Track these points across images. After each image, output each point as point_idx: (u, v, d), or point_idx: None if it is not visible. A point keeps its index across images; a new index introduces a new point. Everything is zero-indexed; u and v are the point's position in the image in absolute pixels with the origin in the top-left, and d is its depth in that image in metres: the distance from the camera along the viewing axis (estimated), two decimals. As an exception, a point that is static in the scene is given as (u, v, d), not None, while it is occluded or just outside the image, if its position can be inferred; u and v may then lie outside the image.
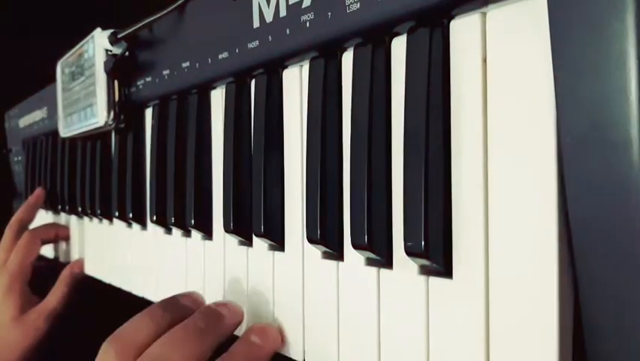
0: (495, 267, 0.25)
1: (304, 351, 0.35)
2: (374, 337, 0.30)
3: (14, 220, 0.71)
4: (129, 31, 0.49)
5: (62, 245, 0.77)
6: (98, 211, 0.62)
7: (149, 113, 0.53)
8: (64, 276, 0.67)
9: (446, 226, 0.27)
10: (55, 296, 0.65)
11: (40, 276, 0.68)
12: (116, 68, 0.51)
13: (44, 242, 0.71)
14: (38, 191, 0.76)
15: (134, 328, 0.36)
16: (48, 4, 0.80)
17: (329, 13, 0.31)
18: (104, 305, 0.71)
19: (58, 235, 0.73)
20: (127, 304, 0.59)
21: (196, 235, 0.46)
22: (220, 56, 0.40)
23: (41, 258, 0.70)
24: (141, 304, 0.54)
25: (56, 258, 0.79)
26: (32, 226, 0.74)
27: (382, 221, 0.30)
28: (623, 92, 0.20)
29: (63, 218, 0.76)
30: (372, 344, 0.30)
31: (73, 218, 0.73)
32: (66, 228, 0.74)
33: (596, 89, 0.20)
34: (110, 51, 0.52)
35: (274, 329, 0.37)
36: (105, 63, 0.52)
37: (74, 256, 0.73)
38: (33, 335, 0.62)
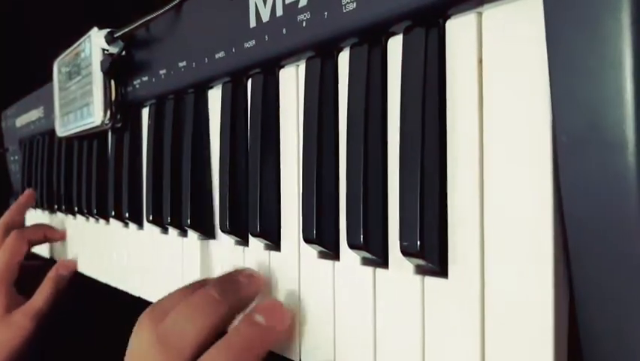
0: (490, 267, 0.25)
1: (300, 351, 0.35)
2: (370, 336, 0.30)
3: (3, 221, 0.71)
4: (126, 30, 0.49)
5: (58, 245, 0.77)
6: (95, 211, 0.61)
7: (145, 112, 0.53)
8: (51, 276, 0.67)
9: (442, 225, 0.27)
10: (41, 296, 0.65)
11: (34, 275, 0.67)
12: (113, 68, 0.51)
13: (32, 243, 0.70)
14: (28, 192, 0.76)
15: (167, 300, 0.36)
16: (45, 3, 0.80)
17: (325, 13, 0.31)
18: (97, 305, 0.71)
19: (46, 235, 0.72)
20: (119, 305, 0.59)
21: (192, 234, 0.46)
22: (217, 56, 0.40)
23: (36, 257, 0.71)
24: (139, 303, 0.54)
25: (52, 258, 0.79)
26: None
27: (378, 221, 0.30)
28: (618, 92, 0.20)
29: (59, 218, 0.76)
30: (368, 344, 0.30)
31: (70, 217, 0.73)
32: (55, 229, 0.74)
33: (592, 89, 0.20)
34: (107, 50, 0.52)
35: (281, 306, 0.34)
36: (102, 62, 0.52)
37: (70, 255, 0.73)
38: (19, 335, 0.62)
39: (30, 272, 0.68)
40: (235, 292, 0.35)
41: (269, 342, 0.33)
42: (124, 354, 0.35)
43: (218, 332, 0.33)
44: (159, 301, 0.36)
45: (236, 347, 0.32)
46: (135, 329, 0.35)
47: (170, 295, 0.37)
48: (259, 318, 0.33)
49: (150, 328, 0.33)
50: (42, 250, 0.81)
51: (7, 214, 0.72)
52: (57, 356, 0.68)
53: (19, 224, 0.73)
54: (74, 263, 0.69)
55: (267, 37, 0.35)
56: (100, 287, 0.63)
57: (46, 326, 0.64)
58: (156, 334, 0.33)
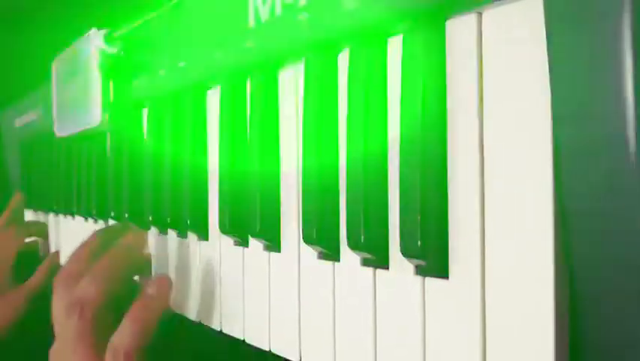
0: (491, 267, 0.24)
1: (300, 352, 0.35)
2: (370, 337, 0.30)
3: (1, 219, 0.80)
4: (125, 30, 0.49)
5: (58, 247, 0.77)
6: (94, 212, 0.61)
7: (144, 112, 0.53)
8: (45, 264, 0.75)
9: (442, 226, 0.27)
10: (34, 279, 0.73)
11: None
12: (112, 68, 0.51)
13: (30, 235, 0.80)
14: (17, 195, 0.84)
15: (73, 264, 0.48)
16: (44, 2, 0.79)
17: (325, 12, 0.31)
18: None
19: (37, 230, 0.82)
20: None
21: (192, 235, 0.46)
22: (216, 56, 0.40)
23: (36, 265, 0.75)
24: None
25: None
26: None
27: (378, 221, 0.29)
28: (619, 92, 0.20)
29: (59, 218, 0.76)
30: (368, 345, 0.30)
31: (69, 219, 0.72)
32: (43, 224, 0.82)
33: (593, 89, 0.20)
34: (106, 50, 0.52)
35: (164, 278, 0.45)
36: (100, 62, 0.52)
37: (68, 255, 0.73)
38: (11, 310, 0.70)
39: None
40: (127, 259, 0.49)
41: (161, 307, 0.43)
42: None
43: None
44: (65, 267, 0.48)
45: (139, 316, 0.42)
46: (54, 298, 0.45)
47: (73, 258, 0.48)
48: (151, 291, 0.44)
49: (64, 295, 0.44)
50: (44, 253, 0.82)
51: (3, 215, 0.81)
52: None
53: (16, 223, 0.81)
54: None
55: (266, 36, 0.35)
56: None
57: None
58: (70, 301, 0.43)
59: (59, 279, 0.46)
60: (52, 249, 0.79)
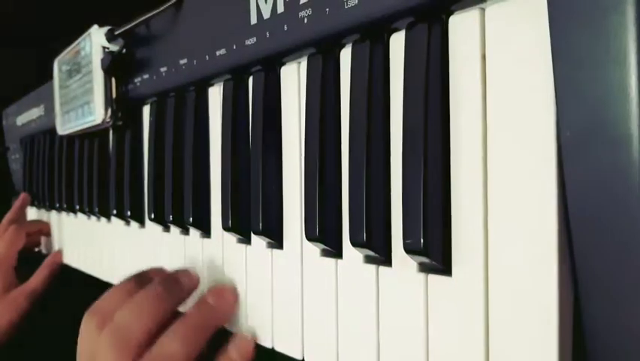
0: (494, 265, 0.24)
1: (303, 349, 0.35)
2: (373, 335, 0.30)
3: (6, 219, 0.80)
4: (126, 28, 0.49)
5: (60, 244, 0.77)
6: (96, 209, 0.61)
7: (146, 110, 0.53)
8: (47, 262, 0.74)
9: (445, 223, 0.26)
10: (36, 279, 0.72)
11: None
12: (113, 65, 0.51)
13: (29, 234, 0.78)
14: (23, 195, 0.84)
15: (109, 299, 0.40)
16: (45, 1, 0.79)
17: (327, 9, 0.31)
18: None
19: (42, 229, 0.82)
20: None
21: (194, 232, 0.46)
22: (217, 53, 0.40)
23: (37, 262, 0.75)
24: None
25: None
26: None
27: (381, 218, 0.29)
28: (623, 87, 0.20)
29: (61, 216, 0.76)
30: (371, 342, 0.30)
31: (71, 216, 0.73)
32: (47, 224, 0.82)
33: (596, 85, 0.20)
34: (107, 48, 0.52)
35: (226, 288, 0.40)
36: (102, 60, 0.52)
37: (72, 254, 0.73)
38: (14, 311, 0.68)
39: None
40: (176, 289, 0.40)
41: (220, 320, 0.39)
42: None
43: (163, 324, 0.37)
44: (99, 301, 0.40)
45: (193, 325, 0.37)
46: (82, 331, 0.39)
47: (109, 294, 0.41)
48: (210, 300, 0.39)
49: (97, 327, 0.37)
50: (47, 250, 0.82)
51: (7, 215, 0.81)
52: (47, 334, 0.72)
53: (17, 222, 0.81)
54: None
55: (268, 33, 0.35)
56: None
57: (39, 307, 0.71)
58: (106, 332, 0.36)
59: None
60: (56, 247, 0.79)
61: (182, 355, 0.35)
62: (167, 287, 0.39)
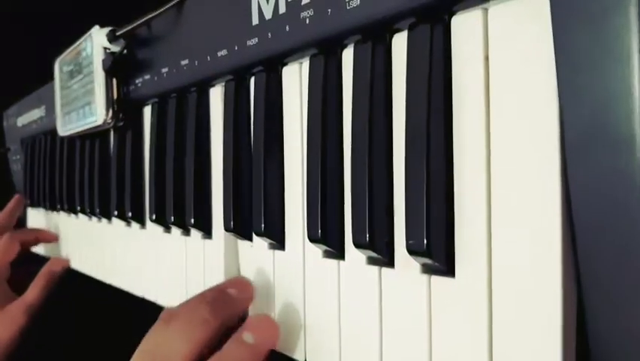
0: (498, 266, 0.24)
1: (305, 351, 0.35)
2: (376, 336, 0.30)
3: None
4: (127, 28, 0.49)
5: (60, 245, 0.77)
6: (97, 210, 0.61)
7: (147, 111, 0.53)
8: (44, 272, 0.69)
9: (448, 224, 0.26)
10: (33, 291, 0.67)
11: (30, 280, 0.70)
12: (115, 66, 0.51)
13: (24, 244, 0.73)
14: (17, 197, 0.80)
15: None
16: (46, 1, 0.79)
17: (329, 10, 0.30)
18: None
19: (38, 238, 0.76)
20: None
21: (196, 233, 0.46)
22: (219, 54, 0.40)
23: (32, 262, 0.73)
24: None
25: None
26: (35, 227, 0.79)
27: (384, 219, 0.29)
28: (626, 89, 0.20)
29: (62, 216, 0.76)
30: (373, 344, 0.30)
31: (72, 217, 0.73)
32: (47, 232, 0.77)
33: (600, 85, 0.20)
34: (109, 49, 0.52)
35: (268, 321, 0.35)
36: (103, 61, 0.51)
37: (73, 255, 0.73)
38: (12, 328, 0.64)
39: (26, 278, 0.70)
40: (225, 307, 0.36)
41: (259, 359, 0.34)
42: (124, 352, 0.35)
43: (211, 347, 0.33)
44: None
45: None
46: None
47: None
48: (248, 338, 0.34)
49: (144, 351, 0.33)
50: (42, 251, 0.82)
51: None
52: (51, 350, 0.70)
53: (9, 227, 0.77)
54: (67, 261, 0.72)
55: (269, 34, 0.35)
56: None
57: (40, 321, 0.66)
58: (148, 354, 0.33)
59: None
60: (63, 252, 0.78)
61: None
62: (215, 309, 0.35)
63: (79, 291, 0.70)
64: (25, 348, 0.64)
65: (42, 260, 0.75)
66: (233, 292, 0.37)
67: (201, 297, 0.36)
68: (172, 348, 0.33)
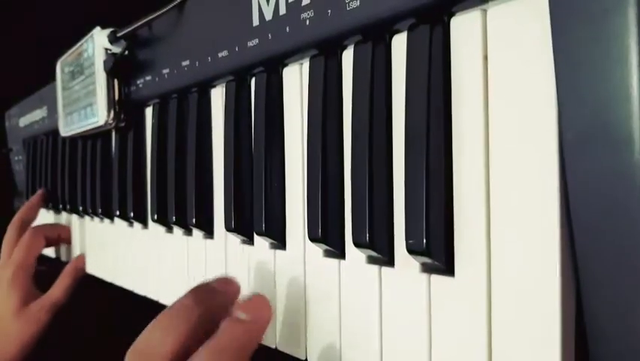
0: (497, 265, 0.24)
1: (306, 349, 0.35)
2: (376, 335, 0.30)
3: (16, 218, 0.72)
4: (129, 29, 0.49)
5: (63, 245, 0.77)
6: (99, 210, 0.61)
7: (149, 111, 0.53)
8: (68, 270, 0.68)
9: (448, 223, 0.27)
10: (58, 289, 0.66)
11: (42, 280, 0.68)
12: (116, 67, 0.51)
13: (48, 240, 0.71)
14: (40, 191, 0.77)
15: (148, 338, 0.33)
16: (47, 2, 0.80)
17: (329, 11, 0.31)
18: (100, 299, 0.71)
19: (60, 235, 0.73)
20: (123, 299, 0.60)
21: (197, 233, 0.46)
22: (220, 55, 0.40)
23: (43, 261, 0.71)
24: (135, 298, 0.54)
25: (58, 258, 0.80)
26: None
27: (384, 219, 0.29)
28: (624, 88, 0.20)
29: (64, 217, 0.76)
30: (374, 342, 0.30)
31: (74, 217, 0.73)
32: (68, 229, 0.74)
33: (598, 86, 0.20)
34: (110, 50, 0.52)
35: (260, 298, 0.33)
36: (105, 62, 0.52)
37: (75, 255, 0.73)
38: (34, 328, 0.63)
39: (40, 277, 0.69)
40: (207, 296, 0.34)
41: (256, 337, 0.33)
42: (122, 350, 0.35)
43: (198, 338, 0.32)
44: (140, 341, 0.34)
45: (224, 347, 0.31)
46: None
47: (146, 332, 0.34)
48: (241, 315, 0.32)
49: (134, 351, 0.32)
50: (47, 250, 0.81)
51: (19, 213, 0.73)
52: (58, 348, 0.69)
53: (31, 222, 0.74)
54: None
55: (270, 35, 0.35)
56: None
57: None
58: (136, 352, 0.32)
59: None
60: (65, 252, 0.78)
61: None
62: (197, 298, 0.34)
63: (79, 291, 0.70)
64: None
65: (46, 259, 0.76)
66: (215, 284, 0.36)
67: (185, 292, 0.35)
68: (156, 341, 0.32)
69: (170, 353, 0.31)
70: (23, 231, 0.70)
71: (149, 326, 0.33)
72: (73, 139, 0.68)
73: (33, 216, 0.74)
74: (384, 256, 0.30)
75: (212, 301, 0.34)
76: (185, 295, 0.34)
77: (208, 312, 0.33)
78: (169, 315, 0.33)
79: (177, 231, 0.49)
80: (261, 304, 0.33)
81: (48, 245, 0.72)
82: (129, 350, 0.33)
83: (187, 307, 0.33)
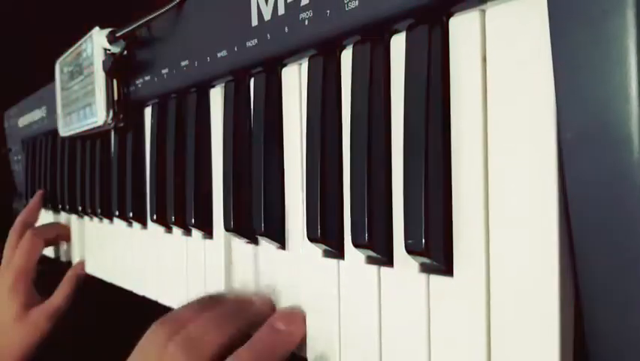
0: (496, 265, 0.25)
1: (306, 349, 0.35)
2: (375, 335, 0.30)
3: (18, 222, 0.71)
4: (127, 29, 0.49)
5: (63, 245, 0.77)
6: (98, 210, 0.62)
7: (148, 112, 0.53)
8: (69, 276, 0.67)
9: (447, 223, 0.27)
10: (59, 296, 0.65)
11: (42, 279, 0.68)
12: (115, 67, 0.51)
13: (47, 241, 0.71)
14: (40, 192, 0.76)
15: (182, 312, 0.37)
16: (46, 2, 0.80)
17: (327, 11, 0.31)
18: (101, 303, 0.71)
19: (58, 234, 0.73)
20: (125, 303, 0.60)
21: (196, 233, 0.46)
22: (219, 55, 0.40)
23: (42, 260, 0.70)
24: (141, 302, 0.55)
25: (57, 258, 0.80)
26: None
27: (382, 219, 0.30)
28: (623, 89, 0.20)
29: (63, 217, 0.76)
30: (373, 343, 0.30)
31: (74, 217, 0.73)
32: (67, 228, 0.74)
33: (596, 86, 0.20)
34: (109, 50, 0.52)
35: (300, 313, 0.36)
36: (104, 62, 0.52)
37: (75, 255, 0.73)
38: (35, 334, 0.62)
39: (40, 276, 0.68)
40: (250, 310, 0.37)
41: (289, 346, 0.35)
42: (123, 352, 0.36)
43: (234, 346, 0.34)
44: (171, 313, 0.37)
45: (259, 351, 0.33)
46: (149, 337, 0.35)
47: (183, 307, 0.37)
48: (280, 325, 0.35)
49: (167, 335, 0.34)
50: (47, 250, 0.81)
51: (20, 216, 0.72)
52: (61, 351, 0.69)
53: (32, 224, 0.73)
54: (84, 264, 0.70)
55: (269, 35, 0.35)
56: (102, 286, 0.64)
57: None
58: (177, 340, 0.34)
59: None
60: (65, 252, 0.78)
61: None
62: (241, 307, 0.37)
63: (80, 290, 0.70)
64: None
65: (45, 259, 0.75)
66: (256, 299, 0.38)
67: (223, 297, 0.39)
68: (210, 331, 0.35)
69: (219, 347, 0.34)
70: (24, 233, 0.69)
71: (205, 315, 0.35)
72: (72, 139, 0.68)
73: (34, 218, 0.74)
74: (383, 257, 0.30)
75: (251, 313, 0.37)
76: (233, 302, 0.38)
77: (247, 323, 0.36)
78: (218, 314, 0.36)
79: (176, 231, 0.49)
80: (297, 318, 0.35)
81: (47, 245, 0.71)
82: (161, 320, 0.36)
83: (235, 315, 0.36)
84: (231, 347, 0.34)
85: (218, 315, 0.36)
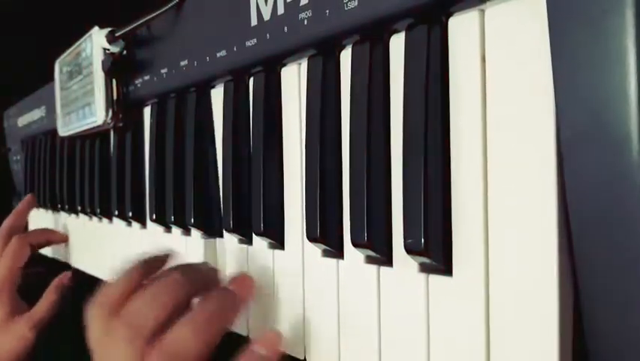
0: (495, 265, 0.25)
1: (305, 349, 0.35)
2: (374, 335, 0.30)
3: (4, 227, 0.70)
4: (127, 29, 0.49)
5: (62, 245, 0.77)
6: (98, 210, 0.62)
7: (147, 111, 0.53)
8: (54, 286, 0.67)
9: (446, 223, 0.27)
10: (43, 305, 0.64)
11: (36, 282, 0.67)
12: (114, 67, 0.51)
13: (34, 247, 0.69)
14: (29, 197, 0.75)
15: (117, 288, 0.35)
16: (46, 2, 0.80)
17: (327, 11, 0.31)
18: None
19: (49, 239, 0.72)
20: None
21: (195, 233, 0.46)
22: (218, 54, 0.40)
23: (38, 263, 0.70)
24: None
25: (55, 258, 0.79)
26: (35, 227, 0.74)
27: (382, 219, 0.30)
28: (622, 88, 0.20)
29: (62, 217, 0.76)
30: (372, 342, 0.30)
31: (73, 217, 0.73)
32: (57, 232, 0.74)
33: (595, 85, 0.20)
34: (108, 50, 0.52)
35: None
36: (103, 62, 0.52)
37: (74, 255, 0.73)
38: (19, 344, 0.62)
39: (35, 279, 0.68)
40: (194, 276, 0.36)
41: (234, 310, 0.35)
42: None
43: (180, 312, 0.34)
44: (106, 290, 0.36)
45: (201, 317, 0.33)
46: (91, 322, 0.35)
47: (116, 283, 0.36)
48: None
49: (108, 317, 0.34)
50: (45, 250, 0.81)
51: (8, 219, 0.71)
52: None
53: (20, 229, 0.72)
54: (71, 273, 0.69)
55: (268, 35, 0.35)
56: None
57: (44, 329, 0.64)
58: (119, 322, 0.33)
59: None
60: (65, 252, 0.78)
61: (195, 343, 0.32)
62: (186, 275, 0.35)
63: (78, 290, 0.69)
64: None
65: (47, 260, 0.75)
66: (201, 265, 0.38)
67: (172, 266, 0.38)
68: (145, 311, 0.33)
69: (157, 324, 0.33)
70: (10, 239, 0.67)
71: (139, 295, 0.34)
72: (71, 139, 0.68)
73: (21, 223, 0.73)
74: (382, 256, 0.30)
75: (199, 282, 0.36)
76: (175, 270, 0.36)
77: (192, 289, 0.35)
78: (159, 288, 0.35)
79: (176, 231, 0.49)
80: (244, 280, 0.36)
81: (38, 249, 0.70)
82: (99, 302, 0.35)
83: (177, 282, 0.35)
84: (179, 313, 0.33)
85: (160, 287, 0.34)
